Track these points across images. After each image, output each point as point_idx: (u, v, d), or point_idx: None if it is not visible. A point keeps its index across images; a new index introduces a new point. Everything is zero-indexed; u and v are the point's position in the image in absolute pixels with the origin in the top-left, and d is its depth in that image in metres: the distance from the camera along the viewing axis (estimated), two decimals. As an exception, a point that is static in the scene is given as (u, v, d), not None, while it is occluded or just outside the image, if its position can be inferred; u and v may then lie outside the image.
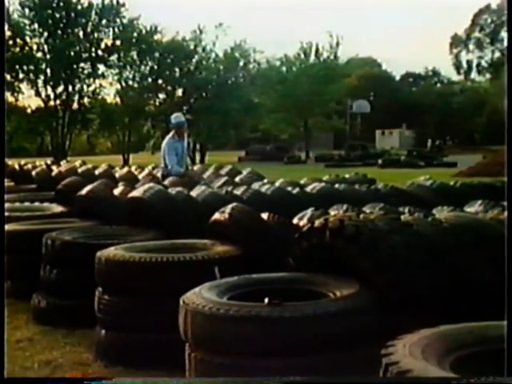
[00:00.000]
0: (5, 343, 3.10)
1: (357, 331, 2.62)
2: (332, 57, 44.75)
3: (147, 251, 3.91)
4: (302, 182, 7.88)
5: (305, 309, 2.60)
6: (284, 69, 45.44)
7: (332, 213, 4.38)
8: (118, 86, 41.69)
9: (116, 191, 6.13)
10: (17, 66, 36.30)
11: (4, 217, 4.60)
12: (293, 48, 79.08)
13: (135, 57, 41.53)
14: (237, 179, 8.44)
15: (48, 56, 37.71)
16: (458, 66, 63.68)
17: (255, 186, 6.66)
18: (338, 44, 44.31)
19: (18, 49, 36.97)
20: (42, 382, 2.26)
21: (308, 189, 6.52)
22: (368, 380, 1.89)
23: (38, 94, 37.99)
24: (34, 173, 9.36)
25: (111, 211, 5.50)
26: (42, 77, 37.98)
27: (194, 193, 5.51)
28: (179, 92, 42.91)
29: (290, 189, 6.30)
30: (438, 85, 66.62)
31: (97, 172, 9.54)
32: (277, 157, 35.75)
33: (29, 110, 39.16)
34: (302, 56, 44.63)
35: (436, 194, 5.99)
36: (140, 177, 9.06)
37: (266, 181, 8.03)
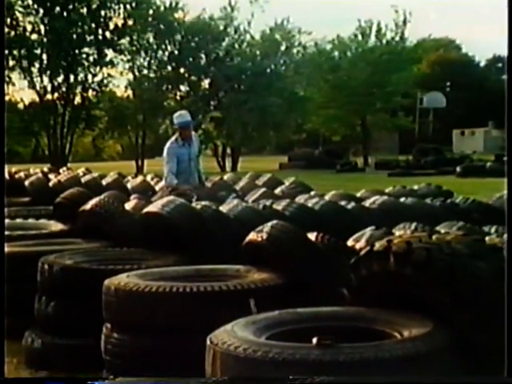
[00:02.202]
0: (4, 343, 3.29)
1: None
2: (397, 38, 44.55)
3: (167, 279, 3.96)
4: (359, 194, 7.87)
5: (364, 352, 2.60)
6: (336, 54, 45.49)
7: (397, 233, 4.37)
8: (131, 76, 42.33)
9: (128, 205, 6.22)
10: (6, 51, 37.01)
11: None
12: (348, 28, 79.16)
13: (151, 40, 42.13)
14: (277, 191, 8.47)
15: (45, 39, 38.34)
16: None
17: (300, 199, 6.67)
18: (405, 22, 44.12)
19: (7, 29, 37.56)
20: (42, 382, 2.60)
21: (367, 203, 6.51)
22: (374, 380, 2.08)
23: (32, 85, 38.61)
24: (27, 183, 9.55)
25: (122, 230, 5.58)
26: (37, 64, 38.59)
27: (224, 208, 5.57)
28: (205, 83, 43.31)
29: (343, 203, 6.30)
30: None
31: (104, 182, 9.69)
32: (327, 163, 35.68)
33: (21, 106, 39.94)
34: (360, 37, 44.59)
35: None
36: (157, 188, 9.17)
37: (313, 193, 8.04)
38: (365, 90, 42.21)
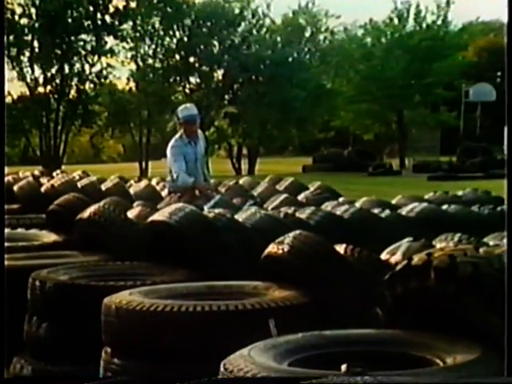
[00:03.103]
0: (5, 343, 3.40)
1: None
2: (439, 22, 44.43)
3: (175, 297, 3.99)
4: (395, 201, 7.88)
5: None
6: (369, 40, 45.45)
7: (438, 245, 4.37)
8: (134, 67, 42.56)
9: (131, 213, 6.25)
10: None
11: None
12: (382, 11, 79.04)
13: (157, 25, 42.31)
14: (301, 197, 8.48)
15: (36, 24, 38.59)
16: None
17: (327, 206, 6.68)
18: (448, 3, 43.95)
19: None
20: (42, 382, 2.77)
21: (403, 211, 6.52)
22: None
23: (21, 76, 38.86)
24: (16, 188, 9.61)
25: (124, 241, 5.60)
26: (28, 53, 38.84)
27: (240, 216, 5.58)
28: (219, 74, 43.45)
29: (376, 211, 6.31)
30: None
31: (104, 187, 9.74)
32: (358, 165, 35.65)
33: (9, 100, 40.17)
34: (396, 21, 44.52)
35: None
36: (163, 193, 9.19)
37: (342, 199, 8.05)
38: (402, 82, 42.12)
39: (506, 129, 2.89)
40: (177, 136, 8.55)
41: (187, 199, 7.43)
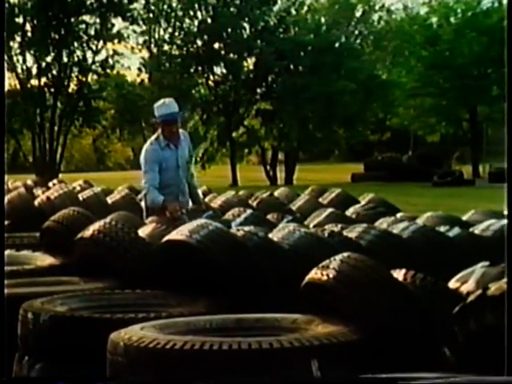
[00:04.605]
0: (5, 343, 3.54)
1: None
2: (522, -4, 44.21)
3: (196, 333, 4.00)
4: (467, 217, 7.83)
5: None
6: (434, 20, 45.36)
7: (521, 271, 4.34)
8: (146, 54, 42.75)
9: (143, 231, 6.28)
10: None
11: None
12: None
13: (174, 4, 42.55)
14: (349, 212, 8.46)
15: (29, 3, 38.87)
16: None
17: (382, 223, 6.67)
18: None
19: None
20: (42, 383, 2.99)
21: (477, 229, 6.48)
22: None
23: (11, 66, 39.06)
24: (5, 200, 9.71)
25: (134, 265, 5.63)
26: (18, 37, 39.07)
27: (276, 235, 5.59)
28: (249, 63, 43.52)
29: (443, 229, 6.28)
30: None
31: (110, 199, 9.80)
32: (420, 173, 35.54)
33: (-5, 95, 40.55)
34: (468, -4, 44.43)
35: None
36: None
37: (400, 215, 8.02)
38: (476, 71, 41.95)
39: (506, 129, 3.04)
40: (152, 138, 8.47)
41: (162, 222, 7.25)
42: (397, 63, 44.72)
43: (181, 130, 8.56)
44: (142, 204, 8.64)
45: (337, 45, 42.19)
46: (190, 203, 8.54)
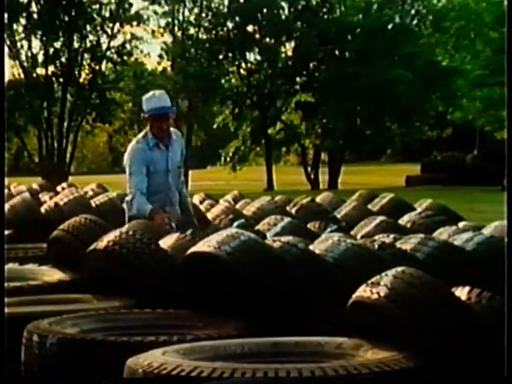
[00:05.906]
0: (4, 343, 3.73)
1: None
2: None
3: (226, 358, 4.03)
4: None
5: None
6: (504, -4, 45.16)
7: None
8: (169, 39, 42.74)
9: (164, 242, 6.32)
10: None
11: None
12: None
13: (201, -20, 42.52)
14: (404, 220, 8.46)
15: (34, -19, 39.00)
16: None
17: (441, 234, 6.67)
18: None
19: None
20: (43, 383, 3.26)
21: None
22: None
23: (14, 53, 39.12)
24: (7, 207, 9.78)
25: (155, 280, 5.68)
26: (23, 20, 39.15)
27: (318, 247, 5.62)
28: (288, 49, 43.47)
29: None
30: None
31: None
32: (487, 176, 35.33)
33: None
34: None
35: None
36: (210, 215, 9.26)
37: (463, 224, 8.01)
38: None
39: (506, 129, 3.21)
40: (139, 136, 8.44)
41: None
42: (460, 47, 44.47)
43: (173, 130, 8.55)
44: (126, 212, 8.43)
45: (390, 26, 42.07)
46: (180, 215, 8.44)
